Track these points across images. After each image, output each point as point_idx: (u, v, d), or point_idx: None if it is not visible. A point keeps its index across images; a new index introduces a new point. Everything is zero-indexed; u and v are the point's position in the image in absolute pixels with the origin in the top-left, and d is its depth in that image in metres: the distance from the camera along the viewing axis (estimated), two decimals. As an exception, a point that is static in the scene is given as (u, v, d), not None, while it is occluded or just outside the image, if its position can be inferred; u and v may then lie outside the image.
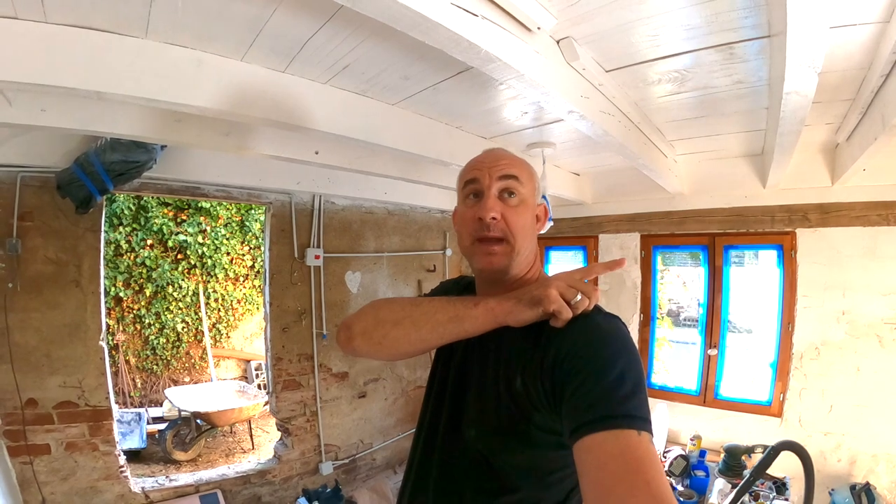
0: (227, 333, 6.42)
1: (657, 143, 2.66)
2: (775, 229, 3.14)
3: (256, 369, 6.30)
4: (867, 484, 2.48)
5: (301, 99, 1.82)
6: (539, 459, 0.86)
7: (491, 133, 2.58)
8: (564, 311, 0.82)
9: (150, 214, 5.64)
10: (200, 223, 5.96)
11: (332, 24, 1.44)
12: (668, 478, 2.44)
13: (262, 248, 3.58)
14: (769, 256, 3.26)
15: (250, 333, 6.64)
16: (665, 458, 2.78)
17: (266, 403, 4.34)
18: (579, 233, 4.07)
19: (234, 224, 6.22)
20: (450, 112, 2.27)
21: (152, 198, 5.56)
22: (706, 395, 3.34)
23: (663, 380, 3.64)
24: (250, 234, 6.34)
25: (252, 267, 6.47)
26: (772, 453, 1.61)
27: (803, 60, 1.32)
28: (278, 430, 3.58)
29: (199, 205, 5.88)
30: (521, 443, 0.85)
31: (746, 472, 2.19)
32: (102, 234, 2.71)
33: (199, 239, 5.97)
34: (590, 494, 0.66)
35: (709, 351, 3.35)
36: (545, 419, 0.82)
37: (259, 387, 5.75)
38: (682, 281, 4.59)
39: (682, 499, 2.32)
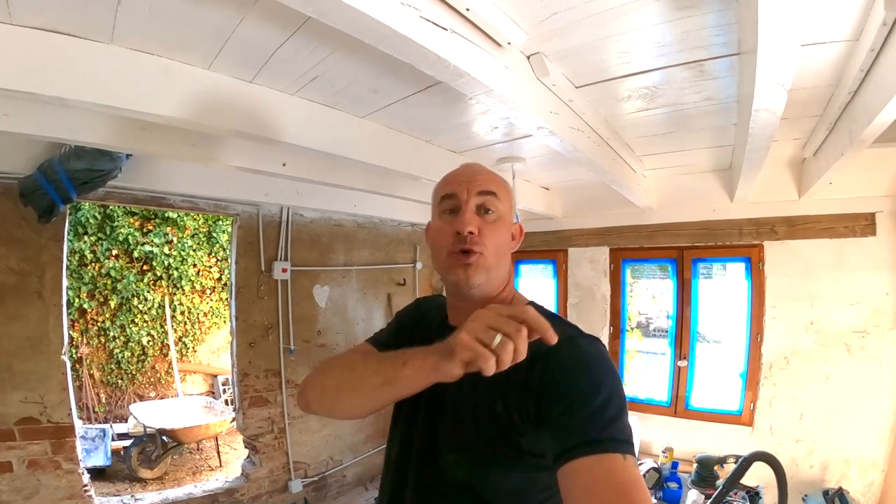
0: (193, 347, 6.27)
1: (626, 159, 2.69)
2: (743, 242, 3.20)
3: (223, 384, 6.17)
4: (840, 489, 2.53)
5: (269, 110, 1.79)
6: (526, 482, 0.84)
7: (461, 147, 2.57)
8: (482, 361, 0.69)
9: (115, 224, 5.48)
10: (167, 234, 5.82)
11: (299, 34, 1.41)
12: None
13: (229, 261, 3.50)
14: (737, 269, 3.31)
15: (217, 347, 6.49)
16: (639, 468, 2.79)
17: (234, 420, 4.23)
18: (549, 246, 4.10)
19: (201, 235, 6.10)
20: (420, 126, 2.24)
21: (118, 207, 5.41)
22: (677, 406, 3.37)
23: (634, 391, 3.67)
24: (218, 245, 6.22)
25: (219, 279, 6.34)
26: (744, 464, 1.63)
27: (773, 78, 1.34)
28: (246, 447, 3.49)
29: (166, 215, 5.74)
30: (507, 467, 0.84)
31: (719, 483, 2.21)
32: (66, 245, 2.64)
33: (166, 250, 5.84)
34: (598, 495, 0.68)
35: (679, 362, 3.37)
36: (531, 442, 0.81)
37: (226, 402, 5.63)
38: (651, 293, 4.68)
39: None
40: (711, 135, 2.42)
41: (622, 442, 0.72)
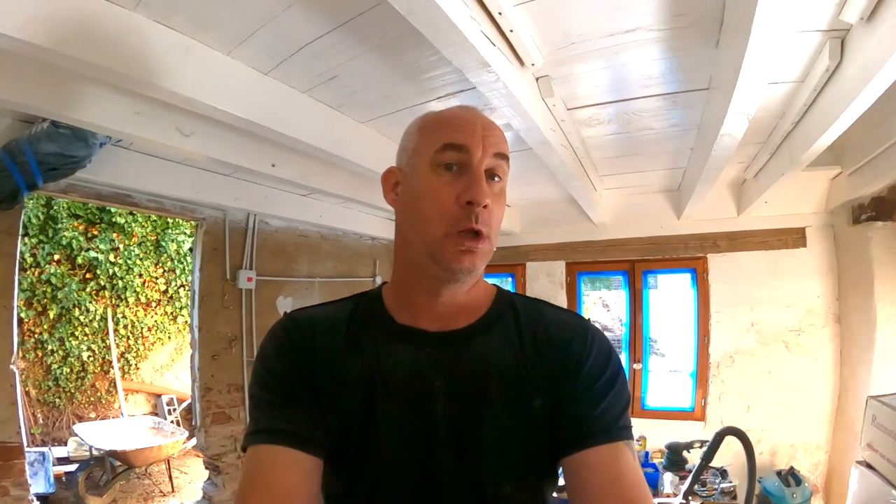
0: (136, 364, 5.95)
1: (591, 177, 3.06)
2: (689, 255, 3.70)
3: (168, 404, 5.87)
4: (791, 468, 2.93)
5: (278, 106, 1.86)
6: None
7: None
8: None
9: (59, 226, 5.16)
10: (113, 240, 5.54)
11: (340, 31, 1.51)
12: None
13: (192, 267, 3.47)
14: (684, 279, 3.80)
15: (161, 365, 6.18)
16: None
17: (187, 440, 4.11)
18: (508, 261, 4.43)
19: (148, 243, 5.86)
20: None
21: (63, 208, 5.12)
22: (634, 406, 3.75)
23: None
24: (165, 255, 5.98)
25: (165, 292, 6.09)
26: (717, 439, 1.96)
27: (741, 108, 1.69)
28: (206, 468, 3.38)
29: (113, 220, 5.47)
30: (553, 474, 0.77)
31: (689, 466, 2.59)
32: (19, 240, 2.45)
33: (111, 257, 5.54)
34: (617, 491, 0.67)
35: (633, 366, 3.80)
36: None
37: (175, 423, 5.40)
38: (603, 303, 5.12)
39: None
40: (668, 158, 2.84)
41: (630, 429, 0.74)
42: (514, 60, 1.64)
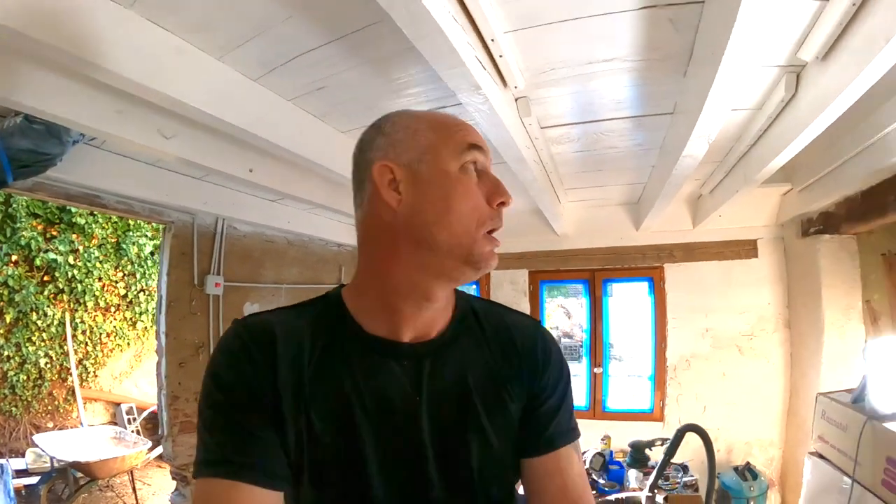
0: (94, 372, 5.67)
1: (557, 191, 3.20)
2: (647, 265, 3.88)
3: (128, 413, 5.62)
4: (747, 464, 3.15)
5: (264, 112, 1.86)
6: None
7: None
8: None
9: (18, 225, 4.89)
10: (73, 241, 5.27)
11: (336, 44, 1.54)
12: (590, 473, 2.92)
13: (159, 272, 3.38)
14: (642, 287, 3.98)
15: (119, 372, 5.91)
16: (584, 457, 3.21)
17: (150, 450, 3.98)
18: None
19: (108, 246, 5.60)
20: None
21: (22, 206, 4.86)
22: (595, 409, 3.91)
23: None
24: (126, 258, 5.73)
25: (124, 296, 5.84)
26: (678, 436, 2.07)
27: (703, 132, 1.82)
28: (174, 478, 3.29)
29: (73, 220, 5.20)
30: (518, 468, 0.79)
31: (651, 463, 2.72)
32: None
33: (70, 259, 5.27)
34: (568, 496, 0.75)
35: (594, 370, 3.95)
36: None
37: (136, 432, 5.19)
38: (564, 311, 5.26)
39: (606, 489, 2.78)
40: (630, 174, 2.99)
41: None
42: (500, 82, 1.72)
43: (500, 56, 1.56)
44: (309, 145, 2.10)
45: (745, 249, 3.59)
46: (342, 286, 0.78)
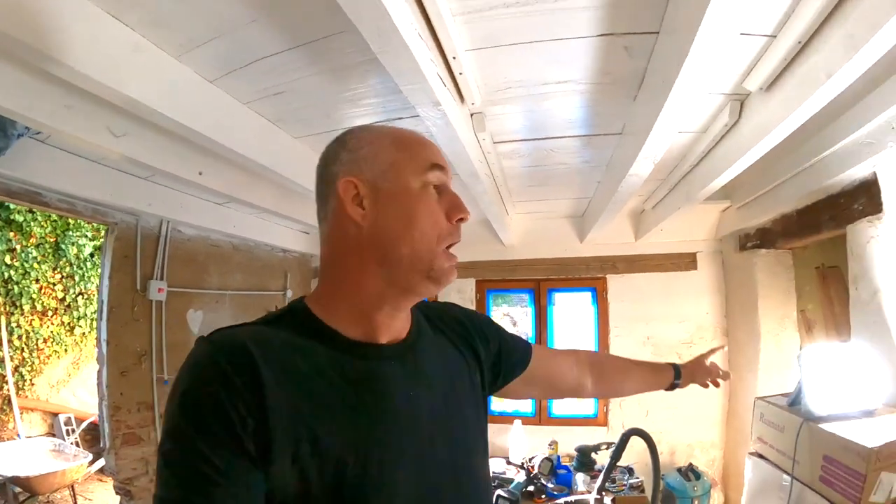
0: (30, 380, 5.22)
1: (505, 203, 3.24)
2: (590, 275, 3.95)
3: (66, 424, 5.18)
4: (690, 465, 3.24)
5: (218, 115, 1.77)
6: None
7: None
8: None
9: None
10: (10, 240, 4.85)
11: (298, 50, 1.49)
12: (539, 477, 2.94)
13: (101, 275, 3.16)
14: (585, 297, 4.05)
15: (57, 380, 5.46)
16: (532, 462, 3.27)
17: (90, 463, 3.72)
18: None
19: (47, 245, 5.16)
20: None
21: None
22: (541, 415, 3.93)
23: (501, 406, 4.07)
24: (65, 259, 5.32)
25: (62, 300, 5.42)
26: (624, 439, 2.11)
27: (650, 154, 1.87)
28: (117, 493, 3.07)
29: (11, 217, 4.77)
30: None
31: (598, 466, 2.77)
32: None
33: (7, 259, 4.86)
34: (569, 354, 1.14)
35: (540, 377, 4.01)
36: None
37: (75, 444, 4.82)
38: (510, 319, 5.32)
39: (556, 493, 2.80)
40: (576, 189, 3.05)
41: None
42: (457, 98, 1.70)
43: (461, 73, 1.55)
44: (262, 150, 2.01)
45: (684, 262, 3.71)
46: (302, 298, 0.75)
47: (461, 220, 0.74)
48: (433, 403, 0.74)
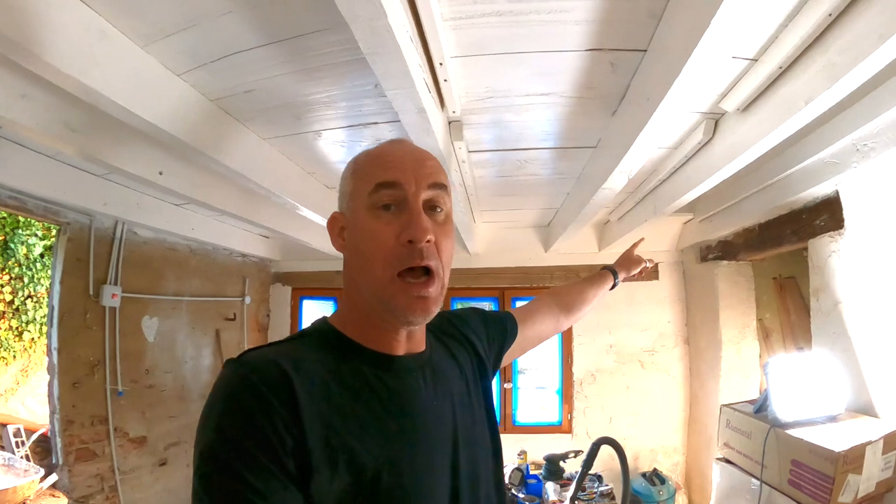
0: None
1: (473, 212, 3.20)
2: (554, 284, 3.93)
3: (15, 436, 4.77)
4: (654, 470, 3.29)
5: (183, 111, 1.62)
6: None
7: (332, 184, 2.66)
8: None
9: None
10: None
11: (274, 47, 1.38)
12: (510, 488, 2.90)
13: (52, 279, 2.93)
14: (549, 305, 4.12)
15: (4, 389, 5.03)
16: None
17: (42, 479, 3.41)
18: None
19: None
20: (312, 158, 2.30)
21: None
22: (506, 423, 3.91)
23: None
24: (13, 259, 4.91)
25: (10, 303, 5.00)
26: (594, 448, 2.11)
27: (626, 168, 1.87)
28: None
29: None
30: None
31: (567, 475, 2.76)
32: None
33: None
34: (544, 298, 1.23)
35: (504, 385, 3.96)
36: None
37: (25, 458, 4.42)
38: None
39: (526, 503, 2.77)
40: (544, 199, 3.05)
41: None
42: (439, 105, 1.65)
43: (445, 80, 1.50)
44: (228, 150, 1.87)
45: (647, 272, 3.76)
46: (325, 317, 0.75)
47: (411, 241, 0.65)
48: (452, 413, 0.74)
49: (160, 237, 3.30)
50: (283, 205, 2.47)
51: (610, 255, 3.69)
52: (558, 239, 3.38)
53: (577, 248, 3.79)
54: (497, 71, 1.52)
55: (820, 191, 1.98)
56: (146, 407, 3.17)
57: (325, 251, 3.64)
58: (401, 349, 0.72)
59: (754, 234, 2.66)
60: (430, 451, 0.68)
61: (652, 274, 3.75)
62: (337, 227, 0.74)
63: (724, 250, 3.05)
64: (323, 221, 2.82)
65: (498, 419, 0.89)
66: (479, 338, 0.92)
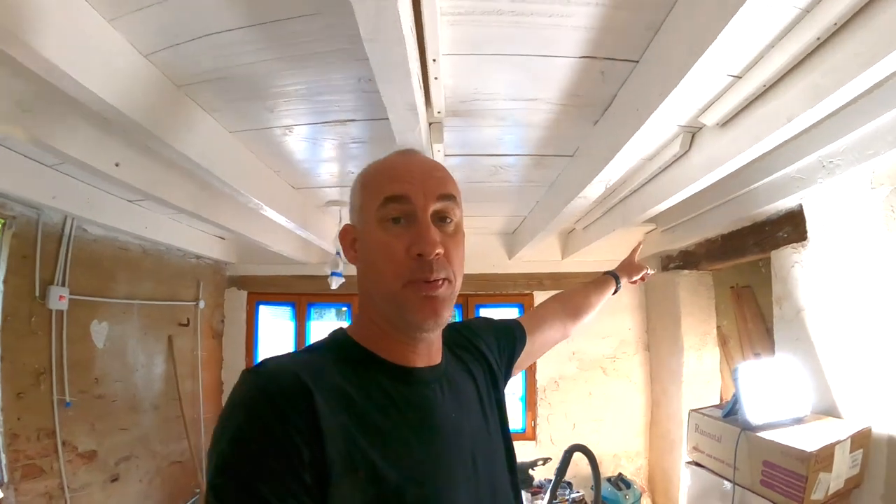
0: None
1: None
2: (517, 291, 3.99)
3: None
4: (620, 474, 3.31)
5: (147, 96, 1.45)
6: None
7: (299, 184, 2.58)
8: None
9: None
10: None
11: (256, 30, 1.27)
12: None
13: None
14: (513, 313, 4.05)
15: None
16: None
17: None
18: (346, 290, 3.96)
19: None
20: (279, 155, 2.17)
21: None
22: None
23: None
24: None
25: None
26: (567, 456, 2.10)
27: (605, 178, 1.87)
28: None
29: None
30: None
31: (536, 482, 2.73)
32: None
33: None
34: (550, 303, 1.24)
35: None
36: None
37: None
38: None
39: None
40: (513, 207, 3.04)
41: None
42: (424, 104, 1.59)
43: (436, 78, 1.43)
44: (191, 142, 1.70)
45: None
46: (342, 328, 0.75)
47: (420, 255, 0.65)
48: (469, 425, 0.73)
49: (111, 235, 3.04)
50: (246, 204, 2.32)
51: (572, 263, 3.80)
52: (524, 247, 3.36)
53: (540, 255, 3.79)
54: (487, 72, 1.48)
55: (784, 204, 2.05)
56: (96, 419, 2.92)
57: (285, 255, 3.45)
58: (419, 361, 0.71)
59: (716, 245, 2.74)
60: (451, 465, 0.67)
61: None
62: (349, 239, 0.74)
63: (686, 260, 3.13)
64: (286, 223, 2.74)
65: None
66: (490, 349, 0.91)
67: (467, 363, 0.83)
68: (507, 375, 0.96)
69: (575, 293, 1.34)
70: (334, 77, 1.52)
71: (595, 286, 1.40)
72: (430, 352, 0.73)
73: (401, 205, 0.67)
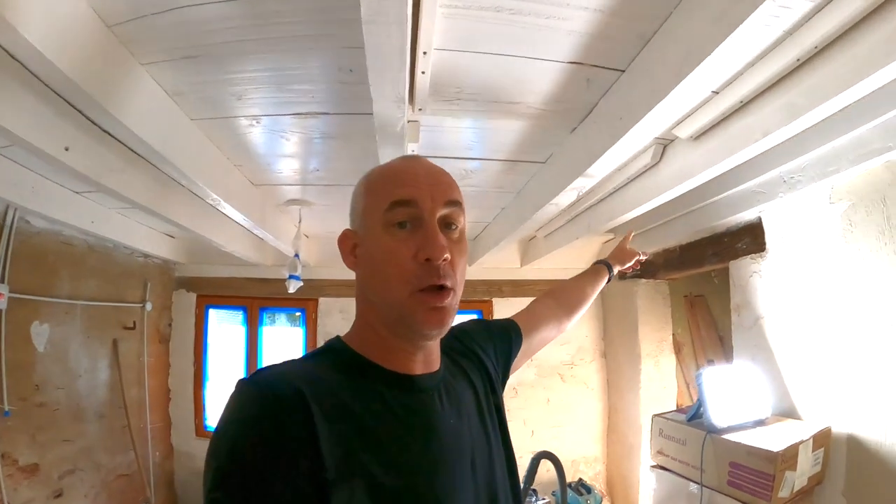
0: None
1: None
2: (477, 298, 3.96)
3: None
4: (580, 480, 3.31)
5: (108, 73, 1.31)
6: None
7: (258, 180, 2.43)
8: None
9: None
10: None
11: (238, 5, 1.15)
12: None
13: None
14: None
15: None
16: None
17: None
18: (299, 295, 3.79)
19: None
20: (243, 149, 2.03)
21: None
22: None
23: None
24: None
25: None
26: (535, 463, 2.07)
27: (578, 185, 1.86)
28: None
29: None
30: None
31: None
32: None
33: None
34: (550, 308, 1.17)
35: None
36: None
37: None
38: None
39: None
40: (478, 213, 2.98)
41: None
42: (408, 99, 1.51)
43: (423, 72, 1.35)
44: (149, 127, 1.53)
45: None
46: (339, 336, 0.72)
47: (428, 260, 0.63)
48: (469, 432, 0.72)
49: (55, 228, 2.77)
50: (204, 199, 2.17)
51: (531, 271, 3.79)
52: (486, 253, 3.32)
53: (500, 262, 3.76)
54: (475, 70, 1.41)
55: (744, 217, 2.12)
56: (37, 429, 2.64)
57: (238, 255, 3.23)
58: (418, 368, 0.69)
59: (675, 255, 2.80)
60: (451, 472, 0.65)
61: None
62: (349, 244, 0.72)
63: (644, 269, 3.18)
64: (244, 221, 2.56)
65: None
66: (487, 353, 0.89)
67: (465, 369, 0.81)
68: (505, 377, 0.94)
69: (569, 287, 1.30)
70: (312, 65, 1.42)
71: (588, 277, 1.35)
72: (428, 359, 0.71)
73: (408, 209, 0.65)
